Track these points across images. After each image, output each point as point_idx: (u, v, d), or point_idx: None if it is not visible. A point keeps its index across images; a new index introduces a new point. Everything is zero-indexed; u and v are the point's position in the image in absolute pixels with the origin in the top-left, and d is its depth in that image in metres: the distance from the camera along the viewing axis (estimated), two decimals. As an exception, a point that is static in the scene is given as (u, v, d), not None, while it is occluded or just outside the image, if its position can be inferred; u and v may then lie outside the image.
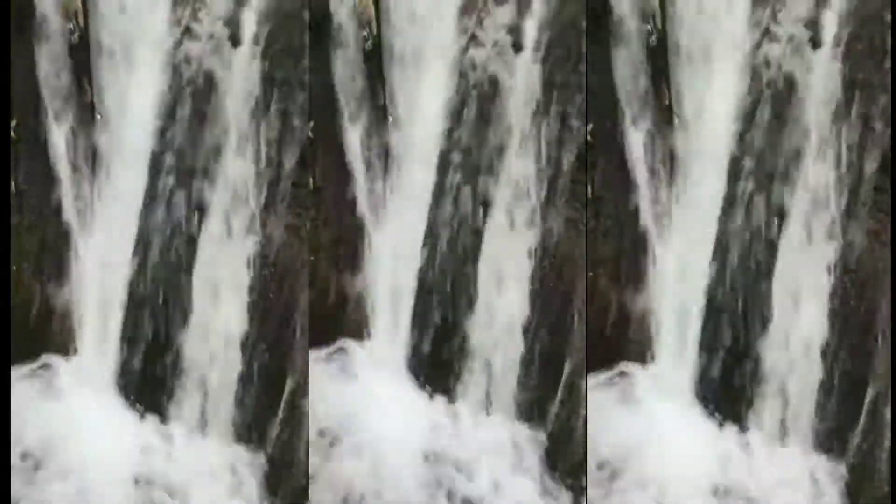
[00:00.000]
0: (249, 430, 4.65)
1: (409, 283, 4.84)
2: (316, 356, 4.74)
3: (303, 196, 4.66)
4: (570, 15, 4.68)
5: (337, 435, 4.78)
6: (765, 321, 4.64)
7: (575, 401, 4.67)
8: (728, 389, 4.68)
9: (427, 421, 4.81)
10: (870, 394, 4.56)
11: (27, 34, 4.58)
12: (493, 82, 4.76)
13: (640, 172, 4.71)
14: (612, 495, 4.68)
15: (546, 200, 4.71)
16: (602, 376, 4.71)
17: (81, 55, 4.62)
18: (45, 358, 4.65)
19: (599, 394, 4.69)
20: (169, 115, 4.64)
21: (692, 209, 4.70)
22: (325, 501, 4.73)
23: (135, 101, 4.63)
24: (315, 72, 4.69)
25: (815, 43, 4.56)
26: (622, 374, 4.72)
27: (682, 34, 4.68)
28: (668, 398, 4.72)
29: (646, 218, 4.71)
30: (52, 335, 4.66)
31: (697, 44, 4.66)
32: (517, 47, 4.73)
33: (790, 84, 4.59)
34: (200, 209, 4.65)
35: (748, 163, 4.65)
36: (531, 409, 4.74)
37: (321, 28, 4.77)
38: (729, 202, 4.66)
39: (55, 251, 4.65)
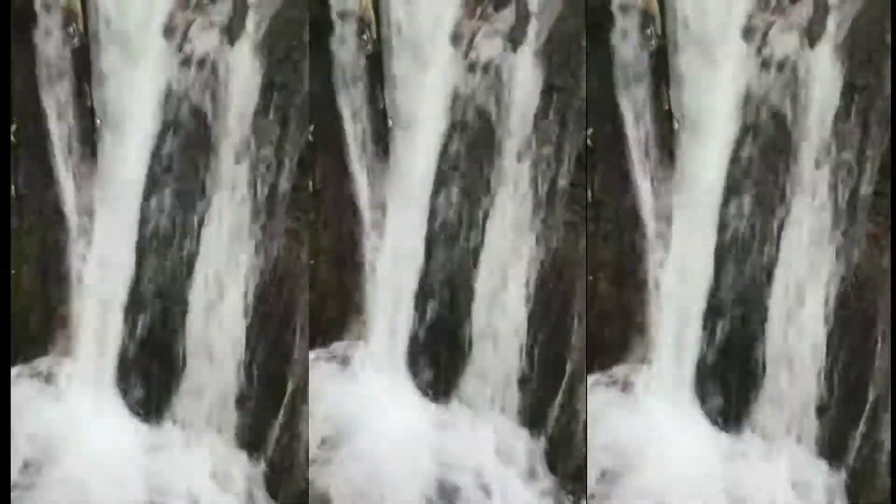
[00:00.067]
0: (249, 433, 4.65)
1: (410, 286, 4.84)
2: (316, 358, 4.74)
3: (303, 198, 4.66)
4: (570, 18, 4.67)
5: (337, 437, 4.78)
6: (764, 325, 4.64)
7: (575, 404, 4.68)
8: (728, 393, 4.68)
9: (427, 423, 4.81)
10: (870, 397, 4.56)
11: (27, 37, 4.58)
12: (493, 85, 4.75)
13: (640, 176, 4.71)
14: (612, 498, 4.68)
15: (546, 204, 4.71)
16: (602, 379, 4.71)
17: (81, 58, 4.61)
18: (45, 360, 4.65)
19: (599, 397, 4.69)
20: (169, 118, 4.64)
21: (692, 212, 4.70)
22: (325, 504, 4.74)
23: (135, 104, 4.63)
24: (315, 74, 4.69)
25: (815, 46, 4.55)
26: (622, 377, 4.72)
27: (682, 38, 4.67)
28: (668, 401, 4.72)
29: (645, 221, 4.71)
30: (52, 338, 4.66)
31: (697, 47, 4.66)
32: (517, 50, 4.73)
33: (790, 87, 4.59)
34: (200, 212, 4.65)
35: (748, 166, 4.64)
36: (531, 412, 4.74)
37: (321, 30, 4.77)
38: (728, 205, 4.66)
39: (55, 254, 4.65)
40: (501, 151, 4.76)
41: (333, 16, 4.80)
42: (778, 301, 4.62)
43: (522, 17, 4.72)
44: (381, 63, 4.84)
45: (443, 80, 4.79)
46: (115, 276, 4.66)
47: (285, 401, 4.63)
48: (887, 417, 4.54)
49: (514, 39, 4.73)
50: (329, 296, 4.82)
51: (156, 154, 4.65)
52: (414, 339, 4.84)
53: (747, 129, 4.64)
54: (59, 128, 4.62)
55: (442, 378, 4.82)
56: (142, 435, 4.67)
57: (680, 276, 4.71)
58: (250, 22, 4.62)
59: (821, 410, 4.60)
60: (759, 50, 4.61)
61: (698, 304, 4.70)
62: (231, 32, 4.62)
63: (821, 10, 4.55)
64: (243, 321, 4.64)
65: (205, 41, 4.62)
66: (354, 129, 4.84)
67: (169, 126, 4.63)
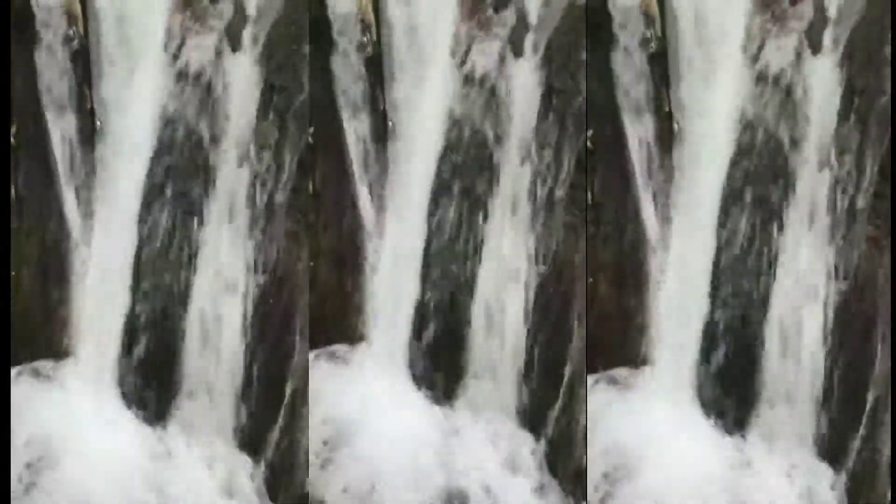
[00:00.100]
0: (249, 435, 4.65)
1: (410, 288, 4.84)
2: (316, 360, 4.74)
3: (303, 201, 4.66)
4: (570, 20, 4.67)
5: (337, 439, 4.78)
6: (764, 327, 4.64)
7: (575, 406, 4.67)
8: (728, 395, 4.68)
9: (427, 424, 4.82)
10: (870, 399, 4.56)
11: (27, 40, 4.58)
12: (493, 87, 4.75)
13: (640, 178, 4.70)
14: (612, 499, 4.68)
15: (546, 206, 4.71)
16: (602, 381, 4.71)
17: (81, 61, 4.61)
18: (45, 361, 4.65)
19: (600, 399, 4.69)
20: (169, 120, 4.63)
21: (692, 215, 4.70)
22: (325, 506, 4.75)
23: (135, 106, 4.63)
24: (315, 77, 4.69)
25: (815, 48, 4.55)
26: (622, 379, 4.72)
27: (683, 40, 4.67)
28: (668, 404, 4.72)
29: (646, 223, 4.71)
30: (53, 338, 4.66)
31: (698, 50, 4.66)
32: (517, 52, 4.73)
33: (790, 89, 4.59)
34: (200, 214, 4.65)
35: (748, 168, 4.64)
36: (531, 414, 4.74)
37: (321, 33, 4.77)
38: (729, 208, 4.66)
39: (55, 256, 4.65)
40: (502, 153, 4.76)
41: (333, 18, 4.80)
42: (778, 303, 4.62)
43: (522, 20, 4.72)
44: (380, 65, 4.84)
45: (443, 81, 4.79)
46: (115, 277, 4.66)
47: (285, 402, 4.63)
48: (888, 419, 4.54)
49: (514, 42, 4.73)
50: (329, 298, 4.82)
51: (156, 156, 4.65)
52: (414, 341, 4.84)
53: (747, 132, 4.64)
54: (59, 129, 4.62)
55: (442, 379, 4.83)
56: (142, 436, 4.67)
57: (680, 278, 4.71)
58: (250, 25, 4.62)
59: (821, 412, 4.60)
60: (759, 52, 4.60)
61: (698, 306, 4.70)
62: (231, 35, 4.62)
63: (821, 13, 4.54)
64: (244, 322, 4.64)
65: (205, 43, 4.62)
66: (354, 131, 4.84)
67: (169, 128, 4.63)
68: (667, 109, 4.69)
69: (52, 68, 4.60)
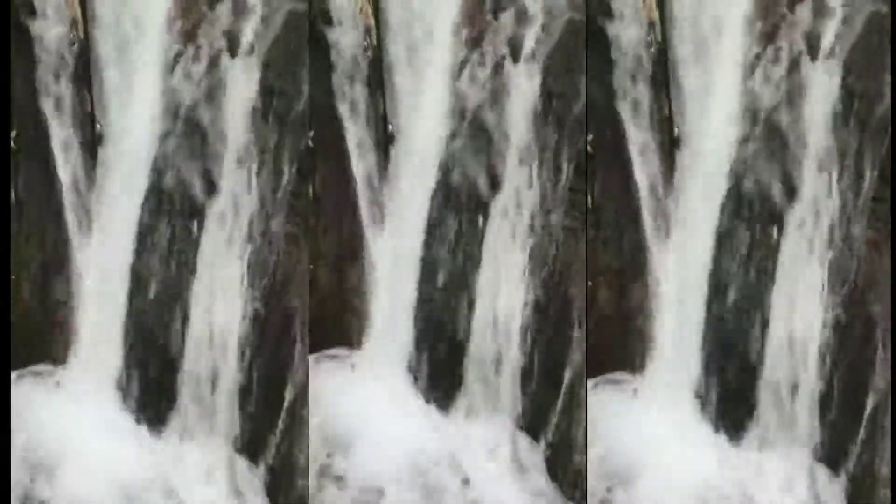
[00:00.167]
0: (249, 438, 4.65)
1: (409, 292, 4.84)
2: (316, 363, 4.74)
3: (302, 204, 4.66)
4: (569, 24, 4.67)
5: (337, 442, 4.78)
6: (764, 331, 4.64)
7: (575, 409, 4.67)
8: (728, 399, 4.68)
9: (427, 428, 4.81)
10: (870, 403, 4.56)
11: (27, 44, 4.58)
12: (493, 91, 4.75)
13: (640, 182, 4.70)
14: (612, 503, 4.67)
15: (546, 209, 4.71)
16: (602, 384, 4.70)
17: (81, 65, 4.62)
18: (45, 366, 4.65)
19: (599, 402, 4.69)
20: (168, 124, 4.64)
21: (692, 218, 4.70)
22: (325, 509, 4.75)
23: (134, 110, 4.63)
24: (314, 81, 4.69)
25: (814, 53, 4.55)
26: (622, 382, 4.72)
27: (682, 44, 4.67)
28: (667, 407, 4.72)
29: (646, 227, 4.71)
30: (53, 343, 4.66)
31: (697, 54, 4.66)
32: (516, 56, 4.73)
33: (789, 94, 4.59)
34: (200, 218, 4.65)
35: (748, 172, 4.64)
36: (531, 418, 4.74)
37: (320, 37, 4.77)
38: (729, 212, 4.66)
39: (55, 259, 4.65)
40: (501, 156, 4.76)
41: (333, 21, 4.80)
42: (778, 306, 4.62)
43: (522, 24, 4.72)
44: (380, 68, 4.84)
45: (443, 85, 4.79)
46: (114, 280, 4.66)
47: (285, 405, 4.63)
48: (888, 424, 4.54)
49: (514, 45, 4.73)
50: (329, 301, 4.82)
51: (156, 159, 4.65)
52: (414, 344, 4.83)
53: (747, 134, 4.64)
54: (60, 133, 4.62)
55: (442, 383, 4.82)
56: (142, 438, 4.67)
57: (680, 282, 4.71)
58: (250, 28, 4.62)
59: (821, 416, 4.60)
60: (759, 56, 4.60)
61: (698, 310, 4.70)
62: (231, 38, 4.62)
63: (821, 17, 4.54)
64: (243, 326, 4.64)
65: (205, 47, 4.62)
66: (354, 135, 4.84)
67: (169, 131, 4.64)
68: (667, 113, 4.69)
69: (52, 72, 4.61)
